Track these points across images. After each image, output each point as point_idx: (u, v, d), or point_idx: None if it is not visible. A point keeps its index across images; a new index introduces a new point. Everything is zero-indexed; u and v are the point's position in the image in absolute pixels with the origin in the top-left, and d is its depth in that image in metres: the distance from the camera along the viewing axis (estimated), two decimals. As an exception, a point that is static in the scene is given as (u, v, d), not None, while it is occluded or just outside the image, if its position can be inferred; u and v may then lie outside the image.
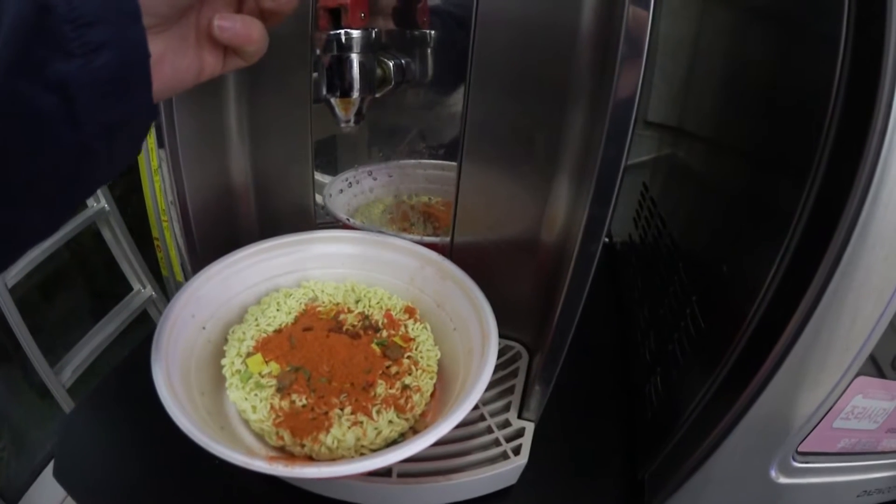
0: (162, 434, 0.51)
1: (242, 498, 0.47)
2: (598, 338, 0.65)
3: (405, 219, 0.53)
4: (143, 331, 1.15)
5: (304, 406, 0.40)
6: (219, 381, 0.44)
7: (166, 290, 1.15)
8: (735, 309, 0.37)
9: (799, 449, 0.38)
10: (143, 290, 1.13)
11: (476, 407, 0.36)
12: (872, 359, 0.33)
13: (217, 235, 0.53)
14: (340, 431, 0.39)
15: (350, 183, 0.54)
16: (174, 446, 0.49)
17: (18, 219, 0.26)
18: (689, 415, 0.42)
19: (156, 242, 1.03)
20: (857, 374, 0.34)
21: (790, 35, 0.37)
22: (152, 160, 0.97)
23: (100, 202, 1.02)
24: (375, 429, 0.39)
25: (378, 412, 0.40)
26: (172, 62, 0.30)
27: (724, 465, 0.39)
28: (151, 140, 0.96)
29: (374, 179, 0.51)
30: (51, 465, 1.13)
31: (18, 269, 0.97)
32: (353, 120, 0.41)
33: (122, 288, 1.16)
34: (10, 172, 0.24)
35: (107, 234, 1.06)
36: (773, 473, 0.39)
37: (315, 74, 0.48)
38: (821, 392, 0.34)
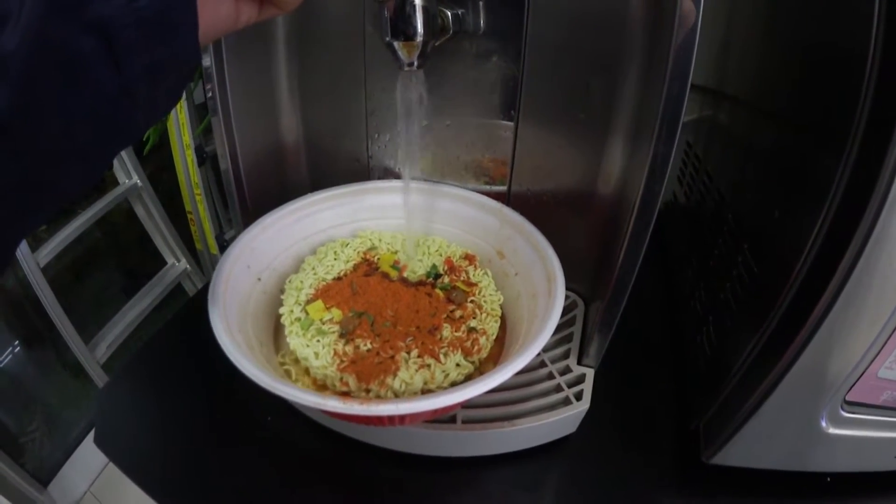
0: (203, 398, 0.52)
1: (291, 455, 0.47)
2: (646, 293, 0.64)
3: (462, 169, 0.53)
4: (177, 305, 1.15)
5: (368, 350, 0.40)
6: (275, 332, 0.44)
7: (201, 263, 1.16)
8: (786, 254, 0.37)
9: (847, 398, 0.38)
10: (177, 263, 1.13)
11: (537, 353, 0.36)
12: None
13: (268, 191, 0.53)
14: (408, 374, 0.38)
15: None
16: (215, 409, 0.50)
17: (54, 167, 0.24)
18: (742, 362, 0.41)
19: (189, 216, 1.03)
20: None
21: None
22: (184, 135, 0.97)
23: (132, 178, 1.02)
24: (443, 371, 0.39)
25: (445, 355, 0.40)
26: (212, 8, 0.28)
27: (777, 412, 0.39)
28: (183, 115, 0.97)
29: (430, 131, 0.51)
30: (83, 444, 1.15)
31: (50, 249, 0.97)
32: (416, 63, 0.41)
33: (154, 264, 1.16)
34: (46, 116, 0.22)
35: (139, 210, 1.06)
36: (823, 423, 0.40)
37: (370, 29, 0.48)
38: (868, 336, 0.35)
